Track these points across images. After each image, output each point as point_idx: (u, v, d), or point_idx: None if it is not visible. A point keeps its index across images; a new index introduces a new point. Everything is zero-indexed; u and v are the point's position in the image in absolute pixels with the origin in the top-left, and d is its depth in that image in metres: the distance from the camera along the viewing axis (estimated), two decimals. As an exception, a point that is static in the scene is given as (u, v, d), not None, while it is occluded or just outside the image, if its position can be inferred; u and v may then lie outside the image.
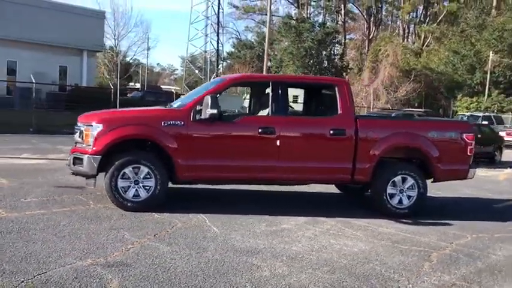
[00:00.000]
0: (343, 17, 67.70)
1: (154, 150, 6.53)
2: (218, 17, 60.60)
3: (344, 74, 62.97)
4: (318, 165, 6.90)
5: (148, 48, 68.29)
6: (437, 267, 5.00)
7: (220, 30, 63.96)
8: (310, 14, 67.20)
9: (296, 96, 8.10)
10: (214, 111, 6.35)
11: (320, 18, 67.57)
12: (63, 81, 26.16)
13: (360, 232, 6.18)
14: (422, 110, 30.50)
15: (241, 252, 5.03)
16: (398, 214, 7.09)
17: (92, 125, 6.45)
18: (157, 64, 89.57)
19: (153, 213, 6.35)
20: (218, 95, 6.99)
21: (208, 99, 6.38)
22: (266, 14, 73.91)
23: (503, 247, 5.94)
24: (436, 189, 9.90)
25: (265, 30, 71.45)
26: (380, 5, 64.68)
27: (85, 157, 6.42)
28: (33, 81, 18.27)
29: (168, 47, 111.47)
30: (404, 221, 6.95)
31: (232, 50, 73.62)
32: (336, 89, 7.07)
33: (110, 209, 6.43)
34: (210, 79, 61.00)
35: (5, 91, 23.42)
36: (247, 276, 4.36)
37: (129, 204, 6.41)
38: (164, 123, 6.46)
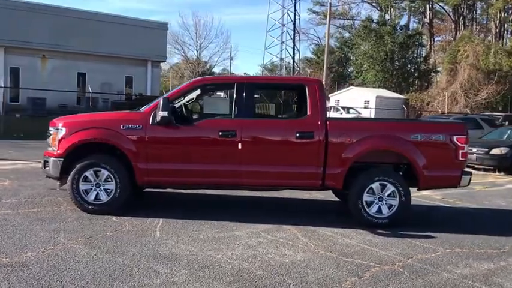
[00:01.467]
0: (429, 17, 64.59)
1: (116, 153, 6.56)
2: (294, 24, 60.60)
3: (429, 77, 60.07)
4: (284, 170, 6.51)
5: (231, 58, 69.91)
6: (359, 284, 4.45)
7: (299, 37, 63.96)
8: (393, 16, 64.55)
9: (268, 98, 7.72)
10: (165, 113, 6.25)
11: (404, 20, 65.01)
12: (129, 90, 27.56)
13: (314, 242, 5.72)
14: (503, 114, 27.95)
15: (157, 258, 4.85)
16: (377, 224, 6.48)
17: (58, 129, 6.64)
18: (244, 73, 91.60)
19: (112, 217, 6.37)
20: (182, 98, 6.92)
21: (160, 102, 6.29)
22: (347, 19, 72.91)
23: (470, 265, 5.17)
24: (457, 199, 9.03)
25: (347, 34, 70.29)
26: (471, 2, 60.61)
27: (50, 160, 6.61)
28: (100, 91, 19.42)
29: (247, 55, 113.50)
30: (381, 231, 6.34)
31: (312, 56, 73.15)
32: (306, 89, 6.64)
33: (74, 212, 6.54)
34: (285, 86, 61.00)
35: (75, 101, 25.16)
36: (134, 283, 4.18)
37: (90, 207, 6.49)
38: (123, 126, 6.47)
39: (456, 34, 59.79)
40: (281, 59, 62.46)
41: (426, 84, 56.12)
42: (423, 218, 7.62)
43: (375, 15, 64.16)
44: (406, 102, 39.38)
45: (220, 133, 6.44)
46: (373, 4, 70.35)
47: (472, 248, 5.80)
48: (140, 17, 29.26)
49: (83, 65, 25.66)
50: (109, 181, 6.50)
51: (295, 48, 61.51)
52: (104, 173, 6.48)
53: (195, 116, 7.19)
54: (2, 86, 23.07)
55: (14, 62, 24.19)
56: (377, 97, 37.45)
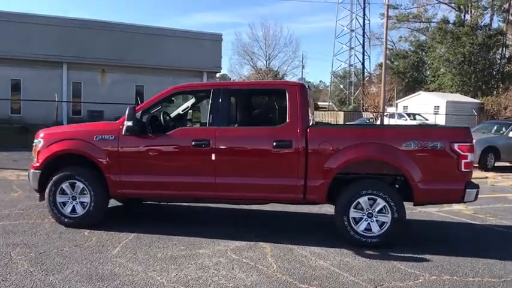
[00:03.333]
0: (513, 16, 60.04)
1: (91, 165, 6.37)
2: (363, 29, 59.00)
3: (514, 79, 55.58)
4: (263, 183, 5.96)
5: (302, 66, 69.36)
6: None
7: (369, 42, 62.17)
8: (473, 16, 60.51)
9: (248, 105, 7.18)
10: (129, 123, 5.98)
11: (487, 20, 60.75)
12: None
13: (280, 264, 5.12)
14: None
15: (90, 278, 4.53)
16: (366, 244, 5.74)
17: (38, 140, 6.60)
18: (320, 81, 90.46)
19: (85, 230, 6.20)
20: (158, 107, 6.62)
21: (126, 111, 6.03)
22: (422, 22, 69.74)
23: (448, 297, 4.33)
24: (491, 215, 7.94)
25: (422, 37, 67.16)
26: None
27: (30, 172, 6.58)
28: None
29: (316, 63, 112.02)
30: (368, 252, 5.59)
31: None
32: (286, 94, 6.07)
33: (52, 225, 6.44)
34: (353, 93, 59.42)
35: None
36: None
37: (66, 220, 6.36)
38: (96, 137, 6.28)
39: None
40: (350, 65, 60.96)
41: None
42: (430, 236, 6.69)
43: (452, 16, 60.67)
44: (481, 107, 36.62)
45: (193, 143, 6.04)
46: (452, 5, 66.65)
47: (465, 276, 4.90)
48: (195, 29, 29.60)
49: (140, 78, 26.43)
50: (84, 194, 6.34)
51: (365, 53, 59.72)
52: (79, 185, 6.32)
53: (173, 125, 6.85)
54: (65, 100, 24.37)
55: (76, 77, 25.46)
56: (448, 102, 35.23)
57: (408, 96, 42.80)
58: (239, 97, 6.92)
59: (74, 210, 6.37)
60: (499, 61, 57.50)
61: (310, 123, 6.10)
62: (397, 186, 5.96)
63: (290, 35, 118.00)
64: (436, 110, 35.02)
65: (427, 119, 31.95)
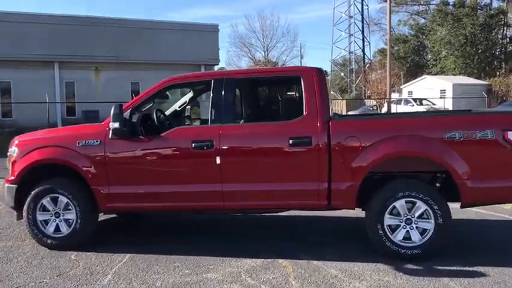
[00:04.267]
0: (515, -6, 58.74)
1: (76, 176, 5.42)
2: (362, 15, 57.79)
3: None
4: (277, 188, 5.01)
5: (301, 56, 68.12)
6: None
7: (368, 28, 60.99)
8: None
9: (256, 97, 6.22)
10: (116, 125, 5.02)
11: (486, 0, 59.49)
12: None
13: (301, 285, 4.19)
14: None
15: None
16: (406, 256, 4.79)
17: (13, 149, 5.65)
18: (325, 71, 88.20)
19: (72, 253, 5.26)
20: (150, 104, 5.66)
21: (111, 111, 5.07)
22: (420, 4, 68.36)
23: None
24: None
25: (422, 21, 65.90)
26: None
27: (5, 186, 5.63)
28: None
29: (316, 52, 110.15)
30: (410, 267, 4.65)
31: (385, 47, 69.35)
32: (301, 81, 5.10)
33: (34, 247, 5.50)
34: (354, 81, 58.30)
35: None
36: None
37: (49, 241, 5.42)
38: (79, 142, 5.32)
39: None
40: (350, 52, 59.78)
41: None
42: (474, 240, 5.73)
43: (449, -1, 59.39)
44: (489, 88, 35.54)
45: (193, 145, 5.08)
46: (450, -13, 65.18)
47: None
48: (190, 21, 28.55)
49: (136, 74, 25.43)
50: (69, 209, 5.39)
51: (365, 39, 58.52)
52: (63, 200, 5.38)
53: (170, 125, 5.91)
54: (59, 101, 23.40)
55: (69, 77, 24.47)
56: (454, 85, 34.17)
57: (412, 81, 41.64)
58: (245, 88, 5.93)
59: (57, 229, 5.43)
60: (501, 41, 56.38)
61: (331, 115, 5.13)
62: (437, 185, 5.00)
63: (288, 25, 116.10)
64: (442, 94, 33.97)
65: (434, 104, 30.92)
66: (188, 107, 6.93)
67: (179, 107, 6.78)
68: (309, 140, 4.89)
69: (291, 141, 4.92)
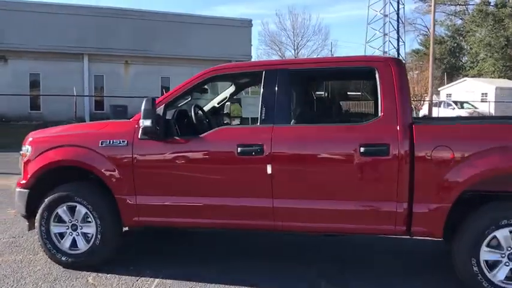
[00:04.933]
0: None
1: (97, 182, 4.55)
2: (398, 13, 55.90)
3: None
4: (341, 208, 4.02)
5: (332, 55, 66.63)
6: None
7: (403, 28, 59.15)
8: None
9: (318, 93, 5.21)
10: (148, 123, 4.11)
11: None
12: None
13: None
14: None
15: None
16: (507, 301, 3.74)
17: (26, 148, 4.81)
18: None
19: (89, 275, 4.40)
20: (187, 98, 4.74)
21: (142, 105, 4.16)
22: (459, 4, 66.07)
23: None
24: None
25: (459, 21, 63.64)
26: None
27: (16, 191, 4.80)
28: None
29: (348, 51, 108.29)
30: (516, 316, 3.59)
31: (420, 47, 67.31)
32: (376, 74, 4.09)
33: (46, 265, 4.66)
34: (388, 81, 56.39)
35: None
36: None
37: (64, 258, 4.55)
38: (102, 142, 4.44)
39: None
40: (384, 52, 58.05)
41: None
42: None
43: (491, -2, 57.08)
44: (535, 93, 33.66)
45: (239, 149, 4.13)
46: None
47: None
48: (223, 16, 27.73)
49: (166, 69, 24.79)
50: (88, 222, 4.52)
51: (400, 39, 56.70)
52: (81, 210, 4.51)
53: (211, 124, 4.99)
54: (87, 94, 22.89)
55: (98, 70, 23.96)
56: (497, 88, 32.41)
57: (452, 83, 39.89)
58: (303, 81, 4.91)
59: (74, 244, 4.56)
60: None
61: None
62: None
63: (319, 23, 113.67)
64: (483, 97, 32.30)
65: (476, 107, 29.30)
66: (228, 103, 6.01)
67: (218, 104, 5.86)
68: (385, 148, 3.88)
69: (362, 150, 3.92)
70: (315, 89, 5.27)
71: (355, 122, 4.33)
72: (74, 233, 4.56)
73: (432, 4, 28.14)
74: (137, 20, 24.20)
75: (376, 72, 4.09)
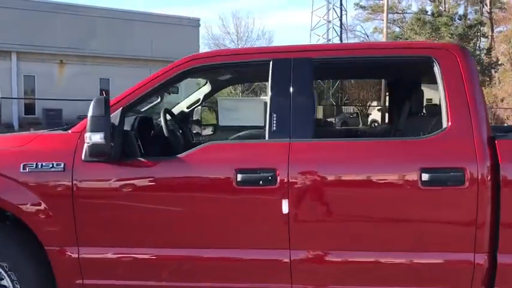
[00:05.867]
0: (488, 7, 58.64)
1: (18, 227, 3.00)
2: (341, 20, 56.36)
3: (493, 71, 54.23)
4: (393, 261, 2.74)
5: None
6: None
7: (346, 34, 59.71)
8: (447, 8, 59.37)
9: (353, 94, 3.97)
10: (97, 137, 2.63)
11: (461, 10, 59.48)
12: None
13: None
14: None
15: None
16: None
17: None
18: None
19: None
20: (156, 99, 3.33)
21: (89, 109, 2.69)
22: (396, 13, 67.81)
23: None
24: None
25: (396, 30, 65.25)
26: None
27: None
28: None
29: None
30: None
31: (360, 54, 68.24)
32: (437, 67, 2.83)
33: None
34: (332, 87, 56.73)
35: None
36: None
37: None
38: (25, 167, 2.90)
39: (523, 22, 53.74)
40: (328, 58, 58.26)
41: (488, 80, 50.66)
42: None
43: (427, 7, 58.97)
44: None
45: (239, 177, 2.74)
46: (426, -4, 64.88)
47: None
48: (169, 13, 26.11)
49: (105, 69, 22.80)
50: (4, 287, 2.97)
51: (343, 45, 57.16)
52: (-7, 270, 2.94)
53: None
54: (15, 97, 20.56)
55: (28, 70, 21.62)
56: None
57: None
58: (329, 75, 3.62)
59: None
60: (478, 52, 56.04)
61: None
62: None
63: (263, 27, 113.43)
64: (428, 103, 32.52)
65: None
66: (199, 107, 4.60)
67: (188, 108, 4.42)
68: (459, 174, 2.64)
69: (424, 176, 2.65)
70: (348, 86, 3.99)
71: (409, 135, 3.06)
72: (-18, 302, 2.99)
73: (385, 12, 27.92)
74: (73, 16, 22.06)
75: (435, 63, 2.85)
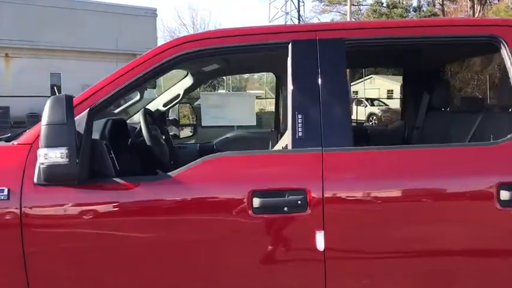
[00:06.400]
0: (441, -1, 60.02)
1: None
2: (298, 11, 56.12)
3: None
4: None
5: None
6: None
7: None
8: (402, 0, 60.43)
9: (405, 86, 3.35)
10: (57, 154, 1.83)
11: (414, 2, 60.53)
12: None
13: None
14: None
15: None
16: None
17: None
18: None
19: None
20: (136, 97, 2.53)
21: (45, 111, 1.88)
22: (353, 5, 68.25)
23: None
24: None
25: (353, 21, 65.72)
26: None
27: None
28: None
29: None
30: None
31: (318, 46, 68.51)
32: (504, 49, 2.18)
33: None
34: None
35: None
36: None
37: None
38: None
39: (473, 14, 55.13)
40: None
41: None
42: None
43: (382, -1, 59.78)
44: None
45: (256, 201, 1.99)
46: (380, -13, 65.78)
47: None
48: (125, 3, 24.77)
49: (56, 63, 21.33)
50: None
51: (301, 37, 57.04)
52: None
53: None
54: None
55: (-30, 64, 19.96)
56: (401, 86, 32.92)
57: (357, 80, 39.98)
58: (370, 62, 2.99)
59: None
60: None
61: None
62: None
63: (220, 20, 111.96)
64: (389, 94, 32.67)
65: (387, 105, 29.24)
66: (177, 105, 3.81)
67: (164, 106, 3.62)
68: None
69: (503, 195, 1.99)
70: (397, 76, 3.30)
71: (476, 139, 2.40)
72: None
73: (348, 3, 27.59)
74: (20, 5, 20.44)
75: (503, 45, 2.19)
